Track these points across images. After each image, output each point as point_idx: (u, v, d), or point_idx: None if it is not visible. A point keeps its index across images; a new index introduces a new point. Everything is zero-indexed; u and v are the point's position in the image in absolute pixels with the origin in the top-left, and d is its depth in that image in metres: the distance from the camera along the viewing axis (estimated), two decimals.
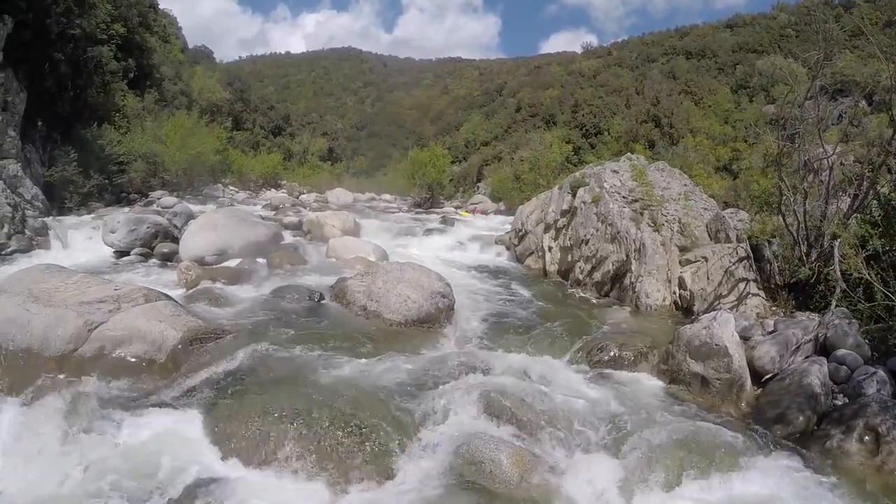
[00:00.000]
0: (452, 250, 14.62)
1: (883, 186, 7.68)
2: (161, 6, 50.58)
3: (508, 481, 4.09)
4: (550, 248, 11.91)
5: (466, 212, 26.59)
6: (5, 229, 11.98)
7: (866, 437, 4.78)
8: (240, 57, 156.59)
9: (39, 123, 18.32)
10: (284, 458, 4.15)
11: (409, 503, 3.88)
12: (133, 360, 5.38)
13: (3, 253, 11.55)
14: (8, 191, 13.41)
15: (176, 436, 4.36)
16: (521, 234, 13.21)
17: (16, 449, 4.06)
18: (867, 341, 6.24)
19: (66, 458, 4.02)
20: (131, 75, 30.06)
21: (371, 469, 4.13)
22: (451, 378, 5.50)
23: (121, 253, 11.57)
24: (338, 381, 5.11)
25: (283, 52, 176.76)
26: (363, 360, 5.77)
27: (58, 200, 17.25)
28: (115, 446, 4.18)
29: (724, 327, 6.01)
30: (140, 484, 3.81)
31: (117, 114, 24.22)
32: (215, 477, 3.96)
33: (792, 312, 7.58)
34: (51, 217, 15.10)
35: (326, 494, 3.95)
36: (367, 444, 4.28)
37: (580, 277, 10.76)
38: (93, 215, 16.05)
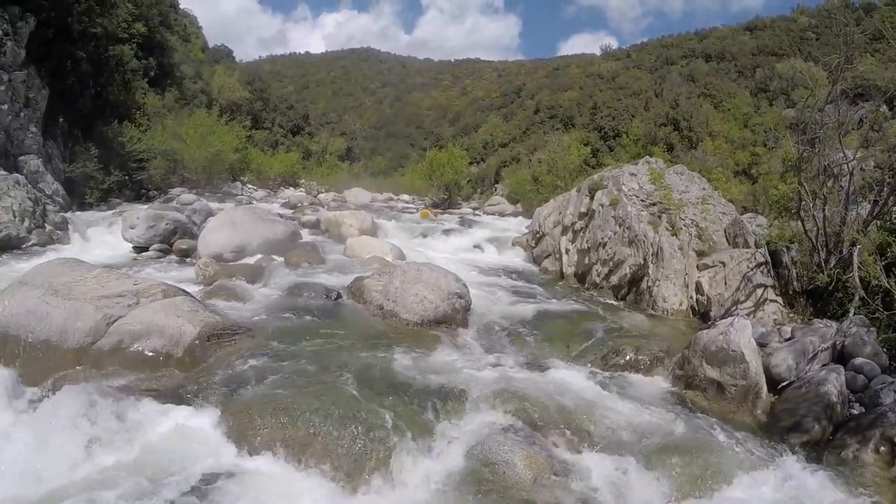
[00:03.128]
0: (469, 251, 14.63)
1: None
2: (182, 5, 51.40)
3: (521, 483, 4.09)
4: (567, 251, 11.87)
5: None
6: (26, 223, 12.12)
7: (882, 448, 4.72)
8: (259, 56, 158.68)
9: (61, 120, 18.61)
10: (299, 454, 4.17)
11: (421, 503, 3.89)
12: (151, 354, 5.43)
13: (23, 247, 11.68)
14: (29, 186, 13.59)
15: (192, 430, 4.40)
16: (538, 236, 13.17)
17: (33, 440, 4.10)
18: (885, 350, 6.16)
19: (83, 450, 4.06)
20: (152, 74, 30.46)
21: (384, 467, 4.13)
22: (465, 378, 5.51)
23: (140, 248, 11.69)
24: (353, 379, 5.12)
25: (302, 52, 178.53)
26: (379, 359, 5.79)
27: (78, 196, 17.51)
28: (131, 439, 4.22)
29: (741, 333, 5.95)
30: (155, 477, 3.84)
31: (138, 111, 24.50)
32: (230, 472, 4.00)
33: (809, 319, 7.51)
34: (71, 212, 15.30)
35: (340, 491, 3.97)
36: (380, 442, 4.29)
37: (597, 280, 10.73)
38: (112, 211, 16.24)
